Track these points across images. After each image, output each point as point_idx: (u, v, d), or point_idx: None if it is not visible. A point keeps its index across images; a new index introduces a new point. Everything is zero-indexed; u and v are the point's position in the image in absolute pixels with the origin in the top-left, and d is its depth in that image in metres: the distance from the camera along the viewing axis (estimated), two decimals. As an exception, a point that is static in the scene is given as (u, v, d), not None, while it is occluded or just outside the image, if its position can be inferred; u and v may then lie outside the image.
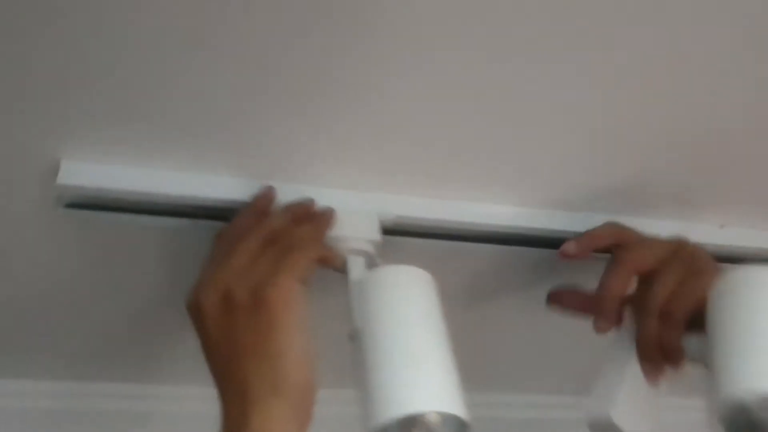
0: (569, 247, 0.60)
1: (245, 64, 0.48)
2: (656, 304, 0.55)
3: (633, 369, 0.57)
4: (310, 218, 0.56)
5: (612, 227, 0.61)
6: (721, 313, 0.51)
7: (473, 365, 0.51)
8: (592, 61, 0.50)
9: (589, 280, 0.61)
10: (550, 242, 0.63)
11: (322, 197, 0.58)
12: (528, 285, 0.68)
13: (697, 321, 0.53)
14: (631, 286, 0.59)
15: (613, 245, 0.60)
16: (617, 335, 0.59)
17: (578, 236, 0.61)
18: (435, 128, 0.55)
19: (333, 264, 0.55)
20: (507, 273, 0.67)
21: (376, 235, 0.57)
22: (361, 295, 0.52)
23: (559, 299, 0.64)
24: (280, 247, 0.52)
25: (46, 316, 0.67)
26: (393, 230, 0.59)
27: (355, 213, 0.58)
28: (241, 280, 0.50)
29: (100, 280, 0.63)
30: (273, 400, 0.47)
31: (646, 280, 0.58)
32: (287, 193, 0.57)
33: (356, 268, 0.55)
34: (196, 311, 0.51)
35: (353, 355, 0.51)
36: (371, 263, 0.57)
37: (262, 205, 0.56)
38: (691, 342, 0.55)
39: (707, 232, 0.65)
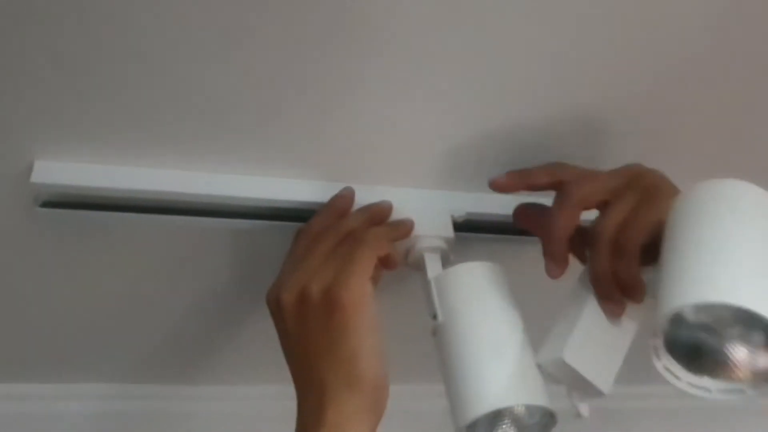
0: (499, 178, 0.57)
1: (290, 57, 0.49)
2: (606, 236, 0.51)
3: (591, 308, 0.53)
4: (387, 223, 0.58)
5: (552, 164, 0.57)
6: (671, 232, 0.48)
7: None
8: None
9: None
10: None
11: (394, 196, 0.59)
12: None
13: (658, 251, 0.49)
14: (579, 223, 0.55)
15: (555, 183, 0.55)
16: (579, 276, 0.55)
17: (512, 171, 0.57)
18: (499, 123, 0.57)
19: (393, 265, 0.55)
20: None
21: (450, 232, 0.59)
22: (441, 291, 0.54)
23: (518, 216, 0.60)
24: (348, 245, 0.54)
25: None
26: (462, 227, 0.61)
27: (428, 211, 0.60)
28: (316, 280, 0.52)
29: (75, 279, 0.64)
30: (348, 396, 0.49)
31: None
32: (361, 194, 0.59)
33: (433, 265, 0.57)
34: (275, 308, 0.53)
35: (437, 349, 0.54)
36: (445, 259, 0.59)
37: (341, 205, 0.57)
38: (649, 274, 0.51)
39: None
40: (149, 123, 0.52)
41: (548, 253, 0.54)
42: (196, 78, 0.50)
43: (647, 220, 0.50)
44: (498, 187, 0.57)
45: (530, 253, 0.66)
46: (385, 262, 0.55)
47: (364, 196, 0.59)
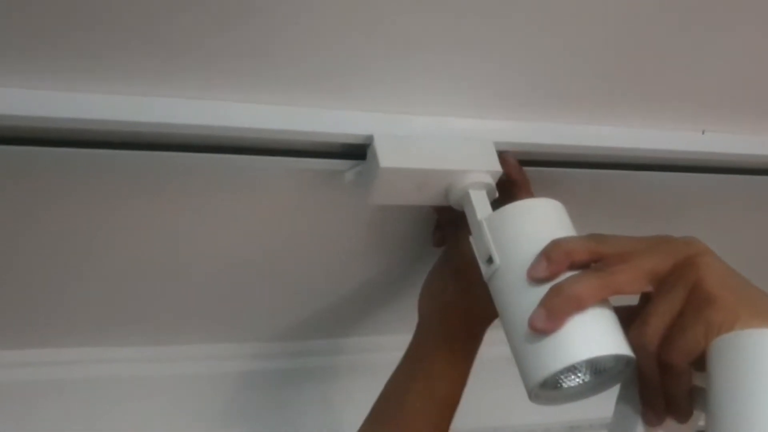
0: (540, 272, 0.45)
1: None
2: (650, 348, 0.43)
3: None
4: None
5: (590, 241, 0.47)
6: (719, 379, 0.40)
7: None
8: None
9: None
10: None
11: (431, 127, 0.53)
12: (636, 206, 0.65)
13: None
14: None
15: (594, 259, 0.46)
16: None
17: (549, 250, 0.46)
18: (551, 49, 0.51)
19: None
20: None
21: (497, 165, 0.53)
22: (497, 232, 0.48)
23: None
24: None
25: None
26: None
27: (471, 143, 0.53)
28: None
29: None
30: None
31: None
32: (393, 124, 0.52)
33: (481, 203, 0.51)
34: None
35: (495, 296, 0.48)
36: (491, 196, 0.53)
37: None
38: (700, 390, 0.44)
39: (689, 138, 0.60)
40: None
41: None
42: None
43: (696, 340, 0.41)
44: (541, 279, 0.45)
45: (583, 185, 0.61)
46: None
47: (395, 128, 0.52)
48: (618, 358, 0.45)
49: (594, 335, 0.44)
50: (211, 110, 0.48)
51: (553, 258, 0.45)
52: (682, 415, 0.45)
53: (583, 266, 0.46)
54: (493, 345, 0.59)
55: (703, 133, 0.61)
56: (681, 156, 0.61)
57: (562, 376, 0.45)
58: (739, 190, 0.67)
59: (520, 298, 0.45)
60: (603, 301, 0.45)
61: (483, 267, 0.49)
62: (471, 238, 0.51)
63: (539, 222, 0.48)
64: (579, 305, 0.43)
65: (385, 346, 0.73)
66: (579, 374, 0.45)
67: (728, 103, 0.61)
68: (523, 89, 0.54)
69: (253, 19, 0.44)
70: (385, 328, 0.76)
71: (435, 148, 0.53)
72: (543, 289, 0.45)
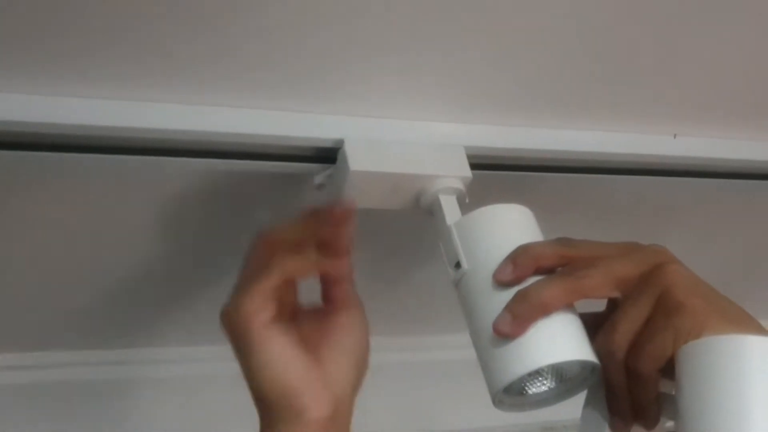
0: (506, 275, 0.45)
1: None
2: (619, 356, 0.43)
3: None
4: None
5: (557, 246, 0.47)
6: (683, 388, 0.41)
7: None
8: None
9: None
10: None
11: (401, 130, 0.53)
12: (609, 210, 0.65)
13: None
14: None
15: (562, 263, 0.46)
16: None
17: (516, 254, 0.46)
18: (520, 50, 0.51)
19: (305, 275, 0.47)
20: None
21: (467, 171, 0.53)
22: (465, 237, 0.48)
23: None
24: (254, 268, 0.46)
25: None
26: (478, 164, 0.55)
27: (442, 148, 0.53)
28: (227, 302, 0.45)
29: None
30: (266, 418, 0.44)
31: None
32: (364, 128, 0.52)
33: (451, 209, 0.51)
34: None
35: (462, 301, 0.48)
36: (461, 202, 0.53)
37: (316, 217, 0.47)
38: (667, 388, 0.44)
39: (661, 142, 0.60)
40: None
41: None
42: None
43: (664, 346, 0.41)
44: (506, 283, 0.45)
45: (555, 190, 0.61)
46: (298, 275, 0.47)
47: (366, 131, 0.52)
48: (583, 365, 0.45)
49: (559, 340, 0.44)
50: (180, 114, 0.48)
51: (519, 262, 0.45)
52: (650, 421, 0.45)
53: (550, 270, 0.46)
54: (464, 348, 0.59)
55: (674, 137, 0.62)
56: (653, 160, 0.61)
57: (526, 382, 0.45)
58: (712, 194, 0.67)
59: (487, 303, 0.46)
60: (569, 306, 0.45)
61: (451, 272, 0.49)
62: (440, 243, 0.51)
63: (507, 227, 0.48)
64: (545, 310, 0.43)
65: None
66: (544, 380, 0.45)
67: (700, 108, 0.61)
68: (495, 93, 0.54)
69: (221, 22, 0.44)
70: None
71: (406, 152, 0.53)
72: (509, 294, 0.45)
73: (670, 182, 0.63)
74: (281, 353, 0.44)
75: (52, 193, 0.53)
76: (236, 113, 0.49)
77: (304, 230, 0.47)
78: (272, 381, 0.44)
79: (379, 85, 0.51)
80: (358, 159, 0.51)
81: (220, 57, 0.46)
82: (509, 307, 0.44)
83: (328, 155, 0.52)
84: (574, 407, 0.50)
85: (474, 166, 0.54)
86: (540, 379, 0.45)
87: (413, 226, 0.58)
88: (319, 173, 0.53)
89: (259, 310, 0.44)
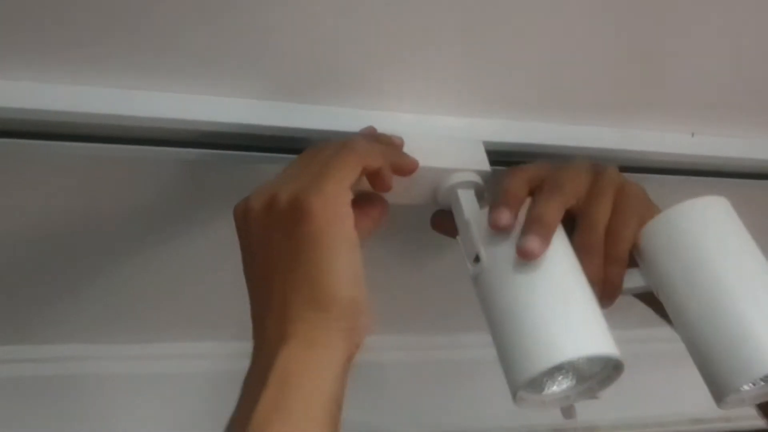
0: (503, 219, 0.47)
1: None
2: (599, 245, 0.49)
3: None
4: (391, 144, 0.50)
5: (521, 175, 0.50)
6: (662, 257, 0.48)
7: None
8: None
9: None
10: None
11: (420, 124, 0.53)
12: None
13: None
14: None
15: (535, 187, 0.51)
16: None
17: (500, 200, 0.49)
18: (540, 49, 0.50)
19: (383, 185, 0.47)
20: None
21: (486, 165, 0.53)
22: (485, 230, 0.48)
23: (434, 223, 0.55)
24: (334, 150, 0.46)
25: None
26: (497, 160, 0.55)
27: (460, 142, 0.53)
28: (288, 185, 0.44)
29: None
30: (314, 316, 0.42)
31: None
32: (381, 122, 0.51)
33: (469, 203, 0.51)
34: (241, 219, 0.46)
35: (480, 296, 0.47)
36: (480, 196, 0.52)
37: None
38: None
39: (678, 141, 0.60)
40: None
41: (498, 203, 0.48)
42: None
43: (635, 229, 0.49)
44: (507, 226, 0.48)
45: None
46: (373, 178, 0.47)
47: (385, 125, 0.51)
48: (607, 361, 0.44)
49: (585, 334, 0.43)
50: (197, 104, 0.48)
51: (511, 204, 0.48)
52: (614, 295, 0.50)
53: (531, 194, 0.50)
54: (478, 348, 0.58)
55: (692, 135, 0.61)
56: (670, 158, 0.61)
57: (547, 379, 0.45)
58: (728, 194, 0.67)
59: (508, 297, 0.45)
60: (591, 298, 0.45)
61: (470, 266, 0.48)
62: (458, 238, 0.50)
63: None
64: (552, 227, 0.47)
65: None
66: (565, 377, 0.45)
67: (718, 106, 0.60)
68: (513, 88, 0.53)
69: (228, 17, 0.44)
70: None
71: (423, 146, 0.52)
72: (531, 284, 0.45)
73: (686, 181, 0.63)
74: (358, 252, 0.43)
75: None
76: (259, 105, 0.48)
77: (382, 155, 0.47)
78: (349, 283, 0.42)
79: (395, 80, 0.51)
80: (375, 152, 0.50)
81: (237, 51, 0.46)
82: (532, 230, 0.46)
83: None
84: (582, 409, 0.49)
85: (493, 162, 0.54)
86: (561, 375, 0.45)
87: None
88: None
89: (347, 194, 0.43)
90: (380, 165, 0.46)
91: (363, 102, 0.52)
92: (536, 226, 0.46)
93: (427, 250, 0.63)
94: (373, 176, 0.47)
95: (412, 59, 0.50)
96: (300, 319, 0.42)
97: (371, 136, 0.50)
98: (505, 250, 0.46)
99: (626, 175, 0.58)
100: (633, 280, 0.49)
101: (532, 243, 0.45)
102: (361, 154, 0.45)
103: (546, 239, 0.46)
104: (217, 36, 0.45)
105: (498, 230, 0.47)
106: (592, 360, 0.44)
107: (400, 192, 0.53)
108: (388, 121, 0.52)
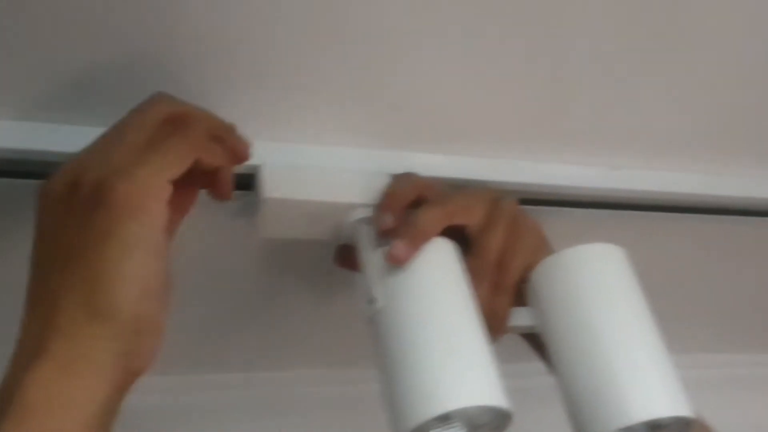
0: (386, 222, 0.48)
1: None
2: (490, 270, 0.49)
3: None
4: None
5: (412, 180, 0.51)
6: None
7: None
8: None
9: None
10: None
11: (319, 157, 0.51)
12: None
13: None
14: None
15: (418, 199, 0.50)
16: None
17: (382, 201, 0.49)
18: (454, 79, 0.50)
19: (224, 191, 0.42)
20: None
21: (389, 199, 0.51)
22: (383, 272, 0.47)
23: (338, 257, 0.53)
24: (169, 128, 0.39)
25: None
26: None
27: (364, 175, 0.51)
28: (98, 164, 0.37)
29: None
30: (81, 332, 0.34)
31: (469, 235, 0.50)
32: (283, 153, 0.50)
33: (369, 240, 0.49)
34: (41, 200, 0.38)
35: (374, 338, 0.46)
36: (383, 232, 0.51)
37: None
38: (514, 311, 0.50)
39: (598, 175, 0.60)
40: None
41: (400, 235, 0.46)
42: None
43: (526, 261, 0.49)
44: (390, 229, 0.48)
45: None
46: (208, 178, 0.41)
47: (285, 157, 0.50)
48: (496, 412, 0.43)
49: (476, 384, 0.42)
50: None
51: (394, 207, 0.48)
52: (502, 329, 0.49)
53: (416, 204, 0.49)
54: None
55: (611, 169, 0.60)
56: (589, 192, 0.60)
57: (435, 427, 0.43)
58: (649, 227, 0.66)
59: (403, 340, 0.44)
60: (482, 341, 0.44)
61: (366, 306, 0.47)
62: (357, 276, 0.49)
63: (427, 262, 0.46)
64: (426, 235, 0.47)
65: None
66: (453, 427, 0.43)
67: (638, 140, 0.60)
68: (421, 120, 0.52)
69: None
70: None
71: (326, 179, 0.51)
72: (428, 331, 0.43)
73: (606, 215, 0.62)
74: (162, 260, 0.36)
75: None
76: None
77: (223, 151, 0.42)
78: (135, 295, 0.35)
79: (298, 110, 0.50)
80: (274, 186, 0.49)
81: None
82: (401, 234, 0.46)
83: (246, 181, 0.50)
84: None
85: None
86: (448, 424, 0.43)
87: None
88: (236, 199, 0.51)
89: (165, 188, 0.37)
90: (220, 164, 0.41)
91: (265, 133, 0.50)
92: (406, 231, 0.46)
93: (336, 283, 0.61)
94: (208, 176, 0.41)
95: (314, 90, 0.49)
96: (64, 333, 0.34)
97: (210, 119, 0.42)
98: (403, 293, 0.45)
99: (541, 208, 0.58)
100: (521, 318, 0.49)
101: (398, 248, 0.45)
102: (196, 145, 0.38)
103: (415, 245, 0.46)
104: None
105: (382, 236, 0.47)
106: (481, 408, 0.42)
107: (302, 227, 0.51)
108: (291, 153, 0.51)
